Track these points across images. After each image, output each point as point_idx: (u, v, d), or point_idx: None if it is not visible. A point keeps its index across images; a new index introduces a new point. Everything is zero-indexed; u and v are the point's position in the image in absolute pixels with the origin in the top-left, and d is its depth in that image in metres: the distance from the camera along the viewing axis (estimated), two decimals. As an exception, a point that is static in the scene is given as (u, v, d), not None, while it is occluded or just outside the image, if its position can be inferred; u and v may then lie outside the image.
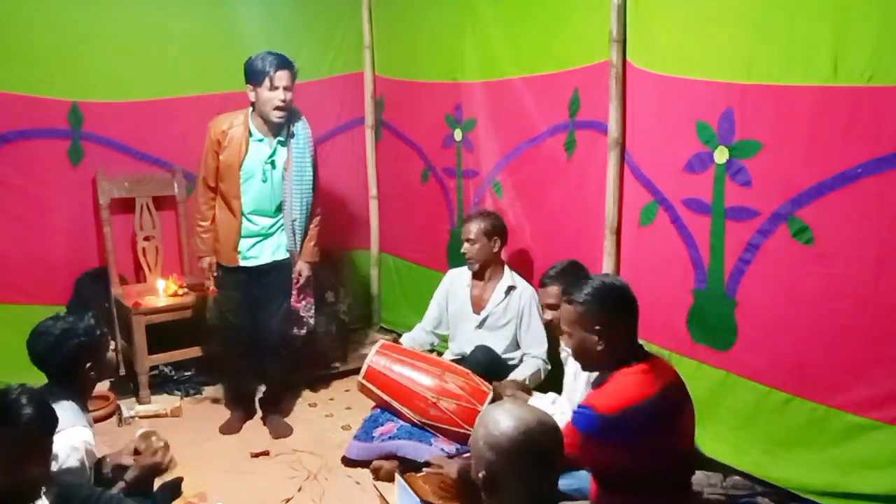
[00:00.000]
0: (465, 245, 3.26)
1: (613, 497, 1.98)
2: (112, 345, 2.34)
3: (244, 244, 3.26)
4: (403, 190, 4.30)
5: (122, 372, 3.84)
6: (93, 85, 3.69)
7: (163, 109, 3.86)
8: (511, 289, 3.27)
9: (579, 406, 1.99)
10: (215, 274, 3.32)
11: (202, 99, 3.94)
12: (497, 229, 3.25)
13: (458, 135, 3.82)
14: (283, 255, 3.33)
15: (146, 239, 3.89)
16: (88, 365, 2.16)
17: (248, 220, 3.24)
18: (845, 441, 2.31)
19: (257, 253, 3.28)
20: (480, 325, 3.31)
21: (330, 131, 4.37)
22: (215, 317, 3.43)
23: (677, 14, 2.61)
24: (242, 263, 3.27)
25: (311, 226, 3.37)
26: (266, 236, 3.29)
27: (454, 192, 3.92)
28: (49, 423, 1.68)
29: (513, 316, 3.26)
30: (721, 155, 2.52)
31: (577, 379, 2.58)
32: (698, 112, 2.57)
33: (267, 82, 3.05)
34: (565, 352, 2.76)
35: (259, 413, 3.54)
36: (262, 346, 3.39)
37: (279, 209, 3.27)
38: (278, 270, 3.33)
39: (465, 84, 3.70)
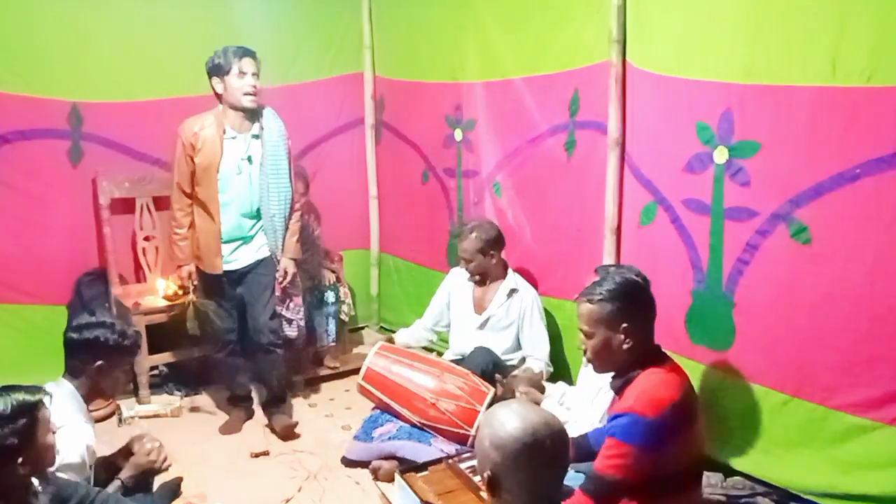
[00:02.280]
0: (462, 263, 3.28)
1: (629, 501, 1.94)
2: (128, 371, 2.33)
3: (225, 249, 3.23)
4: (403, 190, 4.31)
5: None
6: (93, 85, 3.70)
7: (163, 109, 3.85)
8: (513, 291, 3.26)
9: (615, 416, 1.91)
10: (195, 283, 3.30)
11: (202, 99, 3.90)
12: (491, 243, 3.23)
13: (458, 135, 3.83)
14: (264, 253, 3.31)
15: (146, 239, 3.90)
16: (99, 364, 2.15)
17: (227, 223, 3.20)
18: (844, 441, 2.31)
19: (238, 256, 3.28)
20: (482, 327, 3.31)
21: (330, 131, 4.38)
22: (195, 326, 3.40)
23: (677, 14, 2.61)
24: (225, 268, 3.24)
25: (292, 221, 3.34)
26: (246, 240, 3.27)
27: (454, 192, 3.92)
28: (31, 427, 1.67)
29: (514, 318, 3.26)
30: (721, 155, 2.52)
31: (600, 394, 2.52)
32: (698, 112, 2.57)
33: (235, 69, 3.08)
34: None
35: (258, 412, 3.53)
36: (255, 346, 3.37)
37: (259, 211, 3.25)
38: (261, 267, 3.31)
39: (466, 84, 3.70)
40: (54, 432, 1.75)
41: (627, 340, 1.95)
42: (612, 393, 2.35)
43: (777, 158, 2.35)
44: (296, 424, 3.38)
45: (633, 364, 1.97)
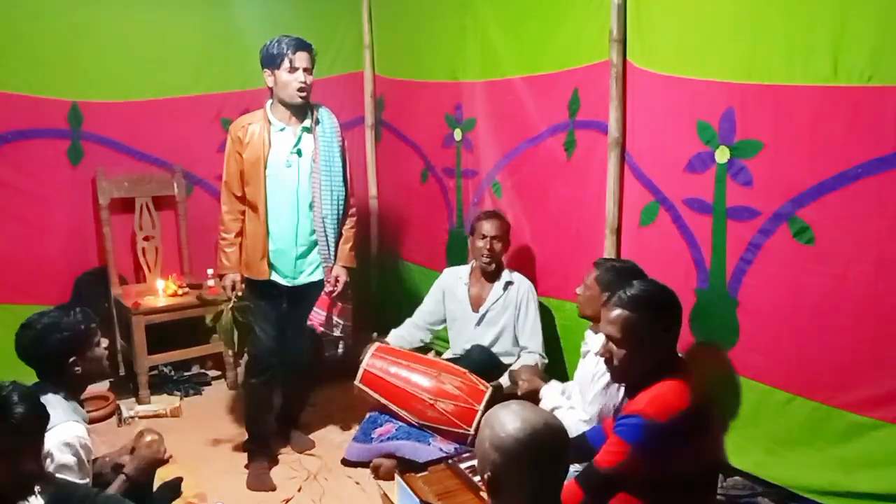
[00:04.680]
0: (493, 243, 3.19)
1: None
2: (105, 342, 2.24)
3: (284, 265, 3.03)
4: (403, 190, 4.30)
5: (122, 372, 3.85)
6: (93, 85, 3.70)
7: (163, 109, 3.87)
8: (509, 284, 3.27)
9: (623, 417, 1.93)
10: (239, 294, 3.00)
11: (202, 99, 3.95)
12: (510, 231, 3.29)
13: (457, 134, 3.82)
14: (319, 275, 3.09)
15: (146, 239, 3.90)
16: (72, 360, 2.10)
17: (277, 225, 2.98)
18: (847, 440, 2.30)
19: (293, 274, 3.06)
20: (479, 322, 3.31)
21: (330, 131, 4.37)
22: (230, 339, 3.00)
23: (677, 14, 2.61)
24: (276, 278, 3.03)
25: (346, 227, 3.12)
26: (303, 252, 3.05)
27: (453, 192, 3.92)
28: (41, 420, 1.66)
29: (511, 308, 3.26)
30: (722, 155, 2.51)
31: (594, 381, 2.52)
32: (699, 112, 2.56)
33: (286, 63, 2.89)
34: (586, 346, 2.67)
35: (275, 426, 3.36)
36: (287, 366, 3.19)
37: (310, 208, 3.01)
38: (315, 289, 3.10)
39: (466, 84, 3.69)
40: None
41: (655, 354, 1.94)
42: (606, 378, 2.36)
43: (779, 158, 2.35)
44: (314, 445, 3.31)
45: (651, 375, 1.96)
